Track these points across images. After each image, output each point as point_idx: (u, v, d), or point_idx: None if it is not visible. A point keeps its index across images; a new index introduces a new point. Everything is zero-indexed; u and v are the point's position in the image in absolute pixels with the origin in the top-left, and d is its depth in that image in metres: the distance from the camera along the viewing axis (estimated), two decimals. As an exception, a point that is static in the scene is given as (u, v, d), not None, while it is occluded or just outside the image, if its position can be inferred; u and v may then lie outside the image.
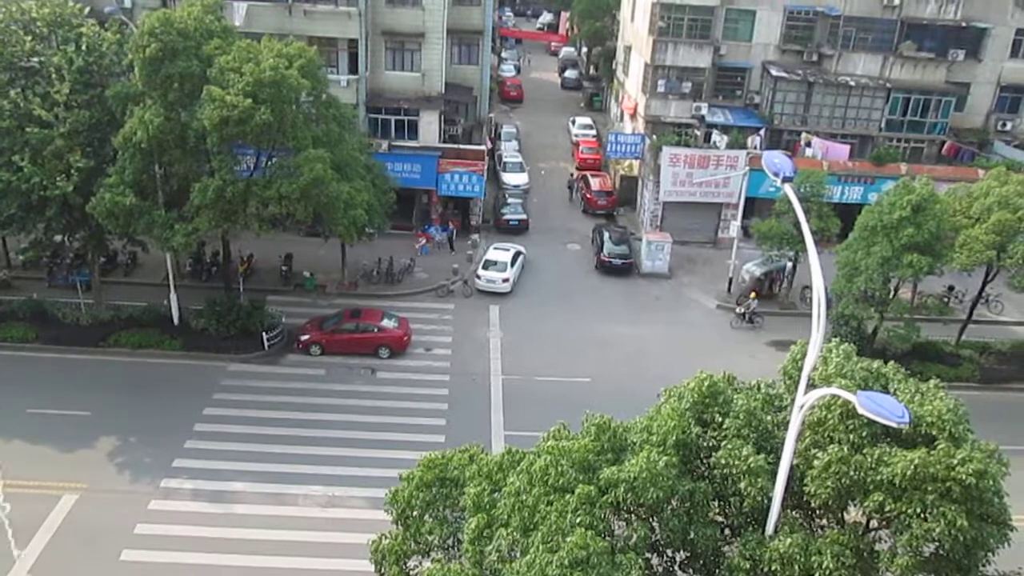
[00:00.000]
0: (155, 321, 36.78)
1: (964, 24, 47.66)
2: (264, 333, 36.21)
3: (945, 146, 49.26)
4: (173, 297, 36.62)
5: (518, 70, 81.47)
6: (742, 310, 40.96)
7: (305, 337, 36.49)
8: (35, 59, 32.83)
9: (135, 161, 32.03)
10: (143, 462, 29.47)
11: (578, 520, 14.84)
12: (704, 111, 48.21)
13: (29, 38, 32.67)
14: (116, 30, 34.58)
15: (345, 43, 43.72)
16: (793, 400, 15.91)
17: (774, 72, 47.73)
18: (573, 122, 66.46)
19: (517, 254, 44.42)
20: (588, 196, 53.14)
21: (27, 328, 35.68)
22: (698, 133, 48.55)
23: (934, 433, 15.19)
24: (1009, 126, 50.33)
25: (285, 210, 32.79)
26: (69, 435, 30.24)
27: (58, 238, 36.48)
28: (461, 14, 46.82)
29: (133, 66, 31.83)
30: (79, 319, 36.57)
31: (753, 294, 41.29)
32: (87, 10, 35.12)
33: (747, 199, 44.23)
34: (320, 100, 34.24)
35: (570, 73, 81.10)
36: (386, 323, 37.11)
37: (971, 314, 38.40)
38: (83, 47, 33.03)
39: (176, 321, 36.86)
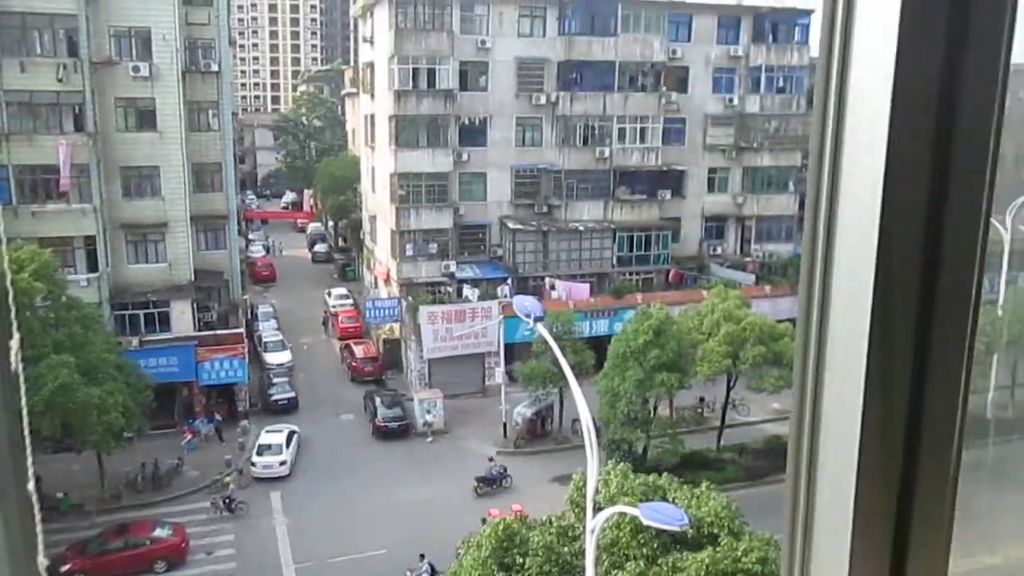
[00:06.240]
0: None
1: (666, 168, 54.23)
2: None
3: (670, 274, 54.45)
4: None
5: (267, 250, 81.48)
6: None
7: (66, 568, 32.25)
8: None
9: None
10: None
11: None
12: (453, 268, 50.47)
13: None
14: None
15: (81, 240, 41.85)
16: (585, 526, 16.68)
17: (511, 225, 51.23)
18: (329, 294, 66.87)
19: (291, 434, 42.99)
20: (354, 364, 53.03)
21: None
22: (450, 290, 50.58)
23: (715, 531, 16.53)
24: (720, 250, 57.09)
25: (28, 427, 30.02)
26: None
27: None
28: (203, 201, 46.73)
29: None
30: None
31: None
32: None
33: (506, 345, 46.02)
34: (60, 303, 32.40)
35: (320, 247, 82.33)
36: (159, 533, 34.01)
37: (724, 419, 41.76)
38: None
39: None
